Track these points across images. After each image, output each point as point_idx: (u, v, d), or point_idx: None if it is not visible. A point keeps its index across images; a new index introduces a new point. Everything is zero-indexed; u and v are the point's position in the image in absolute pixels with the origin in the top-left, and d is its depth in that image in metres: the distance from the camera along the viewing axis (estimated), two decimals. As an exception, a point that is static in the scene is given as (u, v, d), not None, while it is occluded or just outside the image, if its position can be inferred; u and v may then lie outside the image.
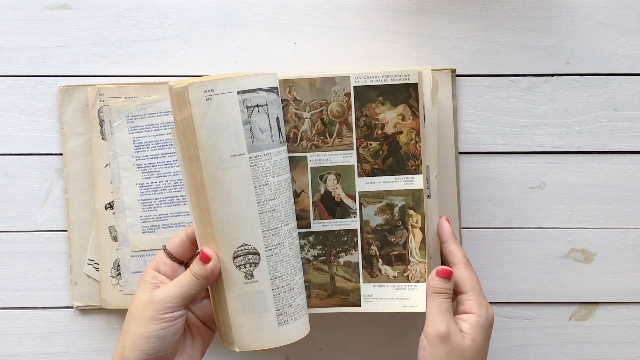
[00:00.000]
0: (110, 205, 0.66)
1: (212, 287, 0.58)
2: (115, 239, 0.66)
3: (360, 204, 0.62)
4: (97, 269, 0.67)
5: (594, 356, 0.70)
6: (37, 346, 0.69)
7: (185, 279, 0.55)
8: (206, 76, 0.57)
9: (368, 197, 0.62)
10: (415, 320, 0.69)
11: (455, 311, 0.58)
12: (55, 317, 0.69)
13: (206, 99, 0.54)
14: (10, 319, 0.69)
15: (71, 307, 0.69)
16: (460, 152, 0.69)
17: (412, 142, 0.60)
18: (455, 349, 0.54)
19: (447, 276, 0.57)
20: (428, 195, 0.62)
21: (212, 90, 0.54)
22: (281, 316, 0.57)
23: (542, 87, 0.69)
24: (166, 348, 0.55)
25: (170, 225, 0.66)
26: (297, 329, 0.59)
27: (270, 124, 0.56)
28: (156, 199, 0.66)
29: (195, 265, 0.55)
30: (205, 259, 0.55)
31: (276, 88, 0.58)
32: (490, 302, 0.69)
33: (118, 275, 0.66)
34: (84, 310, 0.69)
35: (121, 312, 0.68)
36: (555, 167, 0.69)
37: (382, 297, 0.61)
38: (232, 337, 0.57)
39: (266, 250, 0.56)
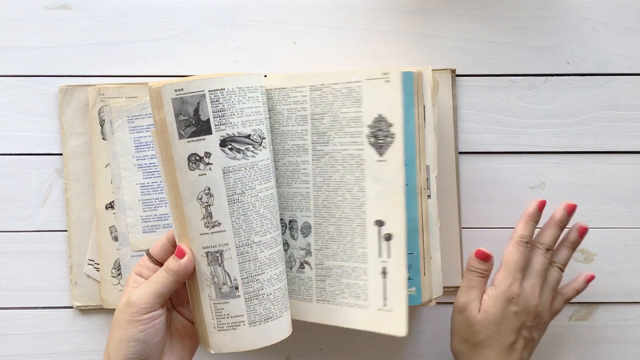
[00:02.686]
0: (110, 205, 0.66)
1: (190, 288, 0.57)
2: (115, 239, 0.66)
3: None
4: (97, 269, 0.67)
5: (594, 356, 0.70)
6: (37, 346, 0.69)
7: (157, 277, 0.55)
8: (190, 76, 0.57)
9: None
10: (414, 320, 0.69)
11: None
12: (55, 317, 0.69)
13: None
14: (10, 319, 0.69)
15: (71, 307, 0.69)
16: (460, 152, 0.69)
17: None
18: (466, 319, 0.61)
19: (484, 258, 0.62)
20: (428, 196, 0.62)
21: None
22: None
23: (542, 87, 0.69)
24: (148, 350, 0.54)
25: (170, 225, 0.66)
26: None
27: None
28: (157, 198, 0.66)
29: (170, 261, 0.55)
30: (181, 254, 0.55)
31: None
32: (490, 302, 0.69)
33: (119, 275, 0.66)
34: (84, 310, 0.69)
35: (121, 312, 0.68)
36: (555, 167, 0.69)
37: None
38: (207, 338, 0.57)
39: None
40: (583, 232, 0.64)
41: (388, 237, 0.56)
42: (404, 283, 0.56)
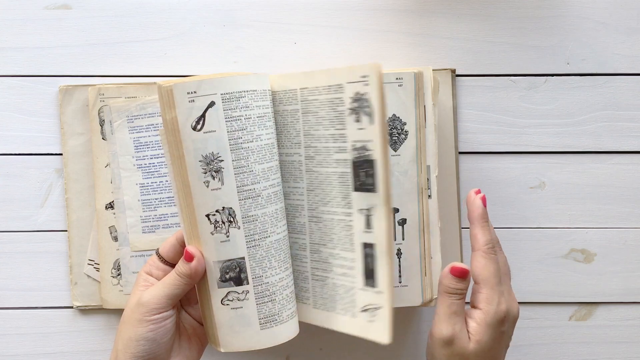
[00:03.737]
0: (110, 205, 0.66)
1: (199, 287, 0.57)
2: (115, 239, 0.66)
3: None
4: (97, 269, 0.67)
5: (594, 356, 0.70)
6: (37, 346, 0.69)
7: (170, 279, 0.55)
8: (194, 76, 0.57)
9: None
10: (415, 320, 0.69)
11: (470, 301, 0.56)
12: (55, 317, 0.69)
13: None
14: (10, 319, 0.69)
15: (71, 307, 0.69)
16: (460, 152, 0.69)
17: None
18: (457, 353, 0.53)
19: (462, 275, 0.53)
20: (429, 196, 0.62)
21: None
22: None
23: (542, 87, 0.69)
24: (157, 350, 0.55)
25: (170, 226, 0.66)
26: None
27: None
28: (156, 199, 0.66)
29: (180, 264, 0.55)
30: (189, 258, 0.55)
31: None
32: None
33: (118, 275, 0.66)
34: (84, 310, 0.69)
35: (121, 312, 0.68)
36: (555, 167, 0.69)
37: None
38: (217, 337, 0.57)
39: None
40: (485, 199, 0.58)
41: (402, 222, 0.61)
42: (417, 261, 0.62)
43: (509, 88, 0.69)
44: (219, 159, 0.55)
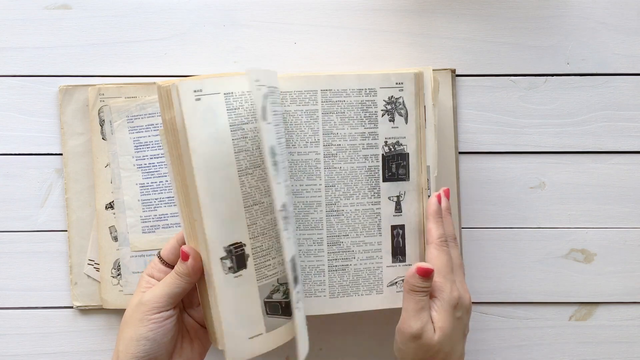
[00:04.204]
0: (110, 205, 0.66)
1: (200, 287, 0.58)
2: (115, 239, 0.66)
3: None
4: (97, 269, 0.67)
5: (594, 356, 0.70)
6: (37, 346, 0.69)
7: (170, 279, 0.56)
8: (197, 75, 0.57)
9: None
10: (416, 320, 0.69)
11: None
12: (55, 317, 0.69)
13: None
14: (10, 319, 0.69)
15: (71, 307, 0.69)
16: (460, 152, 0.69)
17: None
18: (424, 345, 0.55)
19: (426, 274, 0.56)
20: (429, 196, 0.62)
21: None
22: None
23: (542, 87, 0.69)
24: (157, 350, 0.55)
25: (170, 226, 0.66)
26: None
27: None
28: (156, 199, 0.66)
29: (178, 264, 0.56)
30: (185, 257, 0.55)
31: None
32: (490, 302, 0.69)
33: (118, 275, 0.66)
34: (84, 310, 0.69)
35: (121, 312, 0.68)
36: (555, 167, 0.69)
37: None
38: (215, 335, 0.57)
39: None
40: (448, 192, 0.61)
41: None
42: (418, 260, 0.62)
43: (509, 88, 0.69)
44: (276, 151, 0.54)
